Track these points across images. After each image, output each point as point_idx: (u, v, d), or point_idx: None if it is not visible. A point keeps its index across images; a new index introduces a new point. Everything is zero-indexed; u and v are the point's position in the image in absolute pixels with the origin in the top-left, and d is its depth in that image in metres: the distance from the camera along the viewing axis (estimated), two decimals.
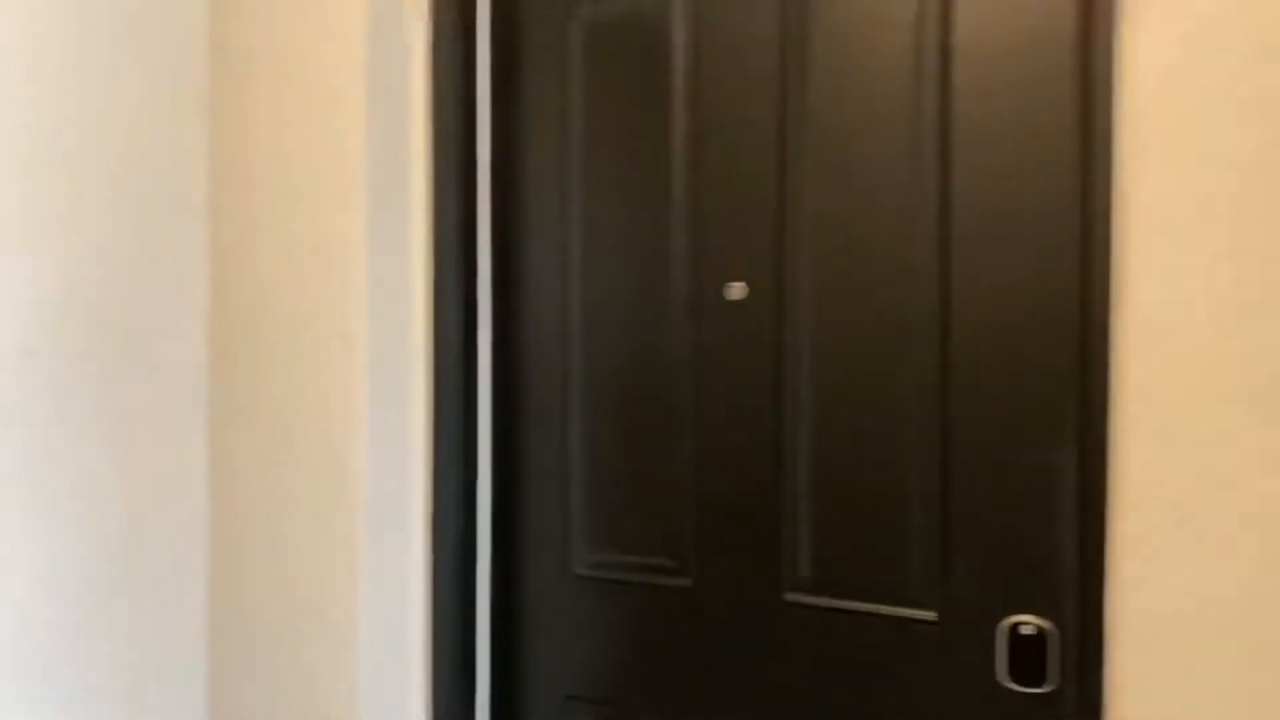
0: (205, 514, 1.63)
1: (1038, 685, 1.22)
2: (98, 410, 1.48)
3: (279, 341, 1.57)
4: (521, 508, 1.60)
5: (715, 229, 1.44)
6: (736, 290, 1.43)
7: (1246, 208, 0.99)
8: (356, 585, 1.48)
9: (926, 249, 1.29)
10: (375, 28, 1.51)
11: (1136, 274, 1.04)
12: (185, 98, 1.60)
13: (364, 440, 1.49)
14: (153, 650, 1.56)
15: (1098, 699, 1.16)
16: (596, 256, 1.53)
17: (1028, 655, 1.22)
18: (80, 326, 1.46)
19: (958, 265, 1.27)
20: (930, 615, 1.30)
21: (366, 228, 1.50)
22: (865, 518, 1.34)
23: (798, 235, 1.38)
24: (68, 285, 1.45)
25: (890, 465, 1.32)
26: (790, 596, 1.39)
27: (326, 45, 1.52)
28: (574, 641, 1.56)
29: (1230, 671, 1.00)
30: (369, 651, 1.49)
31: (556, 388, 1.57)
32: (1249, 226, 0.98)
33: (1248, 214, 0.98)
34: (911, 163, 1.30)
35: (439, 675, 1.57)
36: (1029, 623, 1.23)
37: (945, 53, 1.27)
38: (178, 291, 1.59)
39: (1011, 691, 1.24)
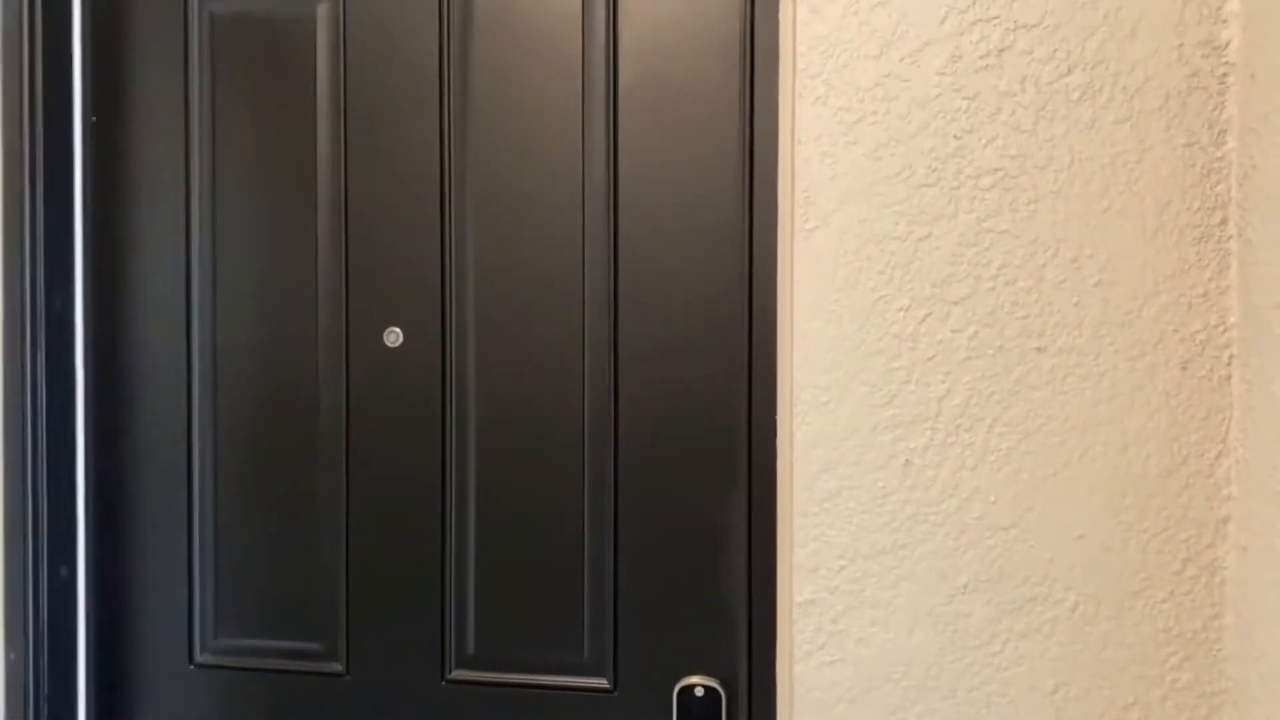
0: None
1: None
2: None
3: None
4: (131, 591, 1.33)
5: (370, 270, 1.28)
6: (393, 336, 1.28)
7: (895, 290, 1.01)
8: None
9: (594, 301, 1.22)
10: None
11: (797, 344, 1.03)
12: None
13: None
14: None
15: None
16: (226, 288, 1.31)
17: (699, 716, 1.20)
18: None
19: (624, 320, 1.21)
20: (604, 683, 1.23)
21: None
22: (534, 587, 1.24)
23: (461, 279, 1.25)
24: None
25: (558, 531, 1.24)
26: (455, 674, 1.27)
27: None
28: None
29: None
30: None
31: (175, 447, 1.32)
32: (893, 308, 1.01)
33: (894, 303, 1.01)
34: (577, 207, 1.22)
35: None
36: (700, 684, 1.20)
37: (612, 81, 1.21)
38: None
39: None
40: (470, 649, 1.26)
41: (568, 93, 1.22)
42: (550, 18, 1.22)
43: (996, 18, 1.00)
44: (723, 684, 1.20)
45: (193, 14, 1.32)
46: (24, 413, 1.27)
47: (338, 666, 1.29)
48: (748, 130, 1.16)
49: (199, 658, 1.33)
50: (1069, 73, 0.99)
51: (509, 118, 1.24)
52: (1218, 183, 0.96)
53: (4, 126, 1.25)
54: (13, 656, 1.25)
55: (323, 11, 1.29)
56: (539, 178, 1.23)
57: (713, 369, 1.19)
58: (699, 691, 1.20)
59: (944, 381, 1.00)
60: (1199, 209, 0.97)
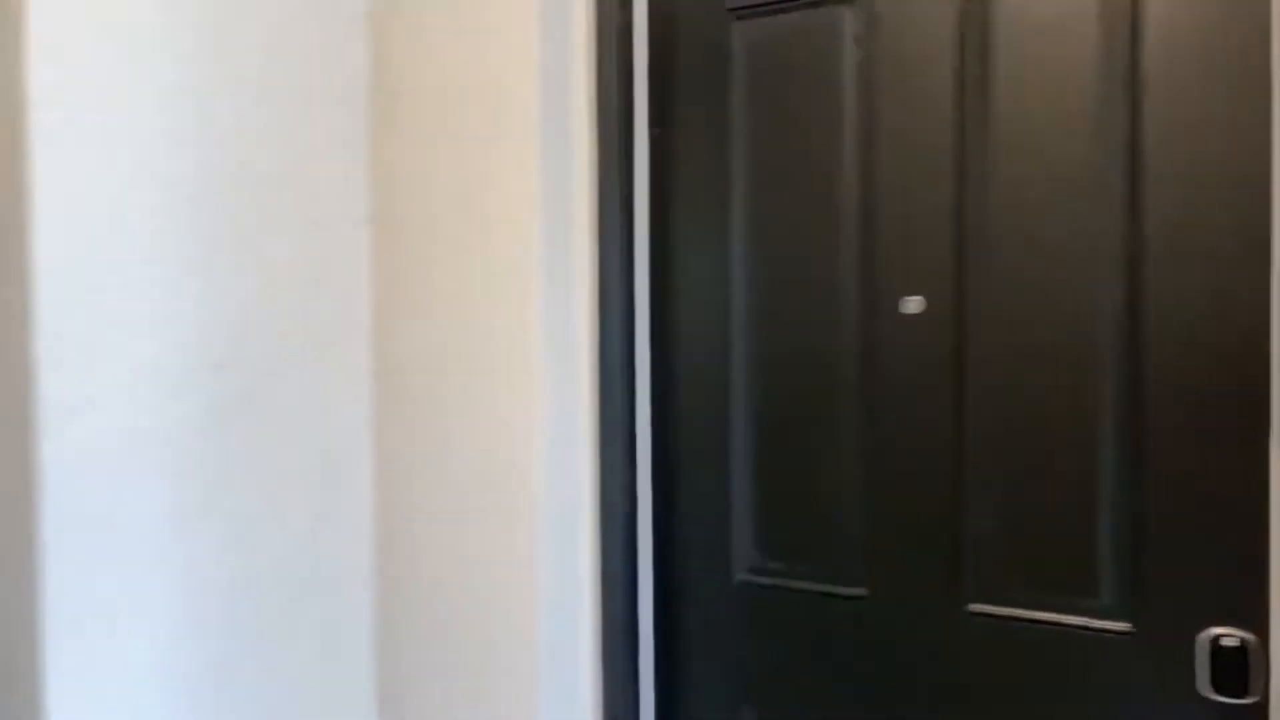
0: (371, 522, 1.64)
1: (1241, 696, 1.24)
2: (278, 419, 1.50)
3: (447, 350, 1.58)
4: (682, 512, 1.61)
5: (889, 240, 1.45)
6: (913, 304, 1.44)
7: None
8: (534, 597, 1.50)
9: (1113, 261, 1.31)
10: (545, 33, 1.51)
11: None
12: (345, 109, 1.61)
13: (539, 449, 1.50)
14: (321, 652, 1.58)
15: None
16: (760, 265, 1.55)
17: (1230, 667, 1.24)
18: (263, 340, 1.47)
19: (1147, 277, 1.29)
20: (1124, 626, 1.32)
21: (541, 239, 1.51)
22: (1053, 527, 1.35)
23: (979, 247, 1.39)
24: (247, 302, 1.46)
25: (1079, 474, 1.33)
26: (974, 606, 1.41)
27: (498, 52, 1.52)
28: (739, 651, 1.57)
29: None
30: (546, 662, 1.51)
31: (718, 394, 1.57)
32: None
33: None
34: (1099, 172, 1.31)
35: (609, 681, 1.58)
36: (1229, 634, 1.25)
37: (1134, 59, 1.29)
38: (345, 302, 1.60)
39: (1215, 702, 1.26)
40: (989, 583, 1.40)
41: (1085, 83, 1.32)
42: (1068, 13, 1.32)
43: None
44: (1255, 635, 1.23)
45: (734, 40, 1.56)
46: (607, 373, 1.59)
47: (861, 591, 1.48)
48: None
49: (738, 576, 1.58)
50: None
51: (1026, 102, 1.35)
52: None
53: (601, 136, 1.57)
54: (603, 569, 1.57)
55: (849, 17, 1.48)
56: (1058, 159, 1.34)
57: (1238, 326, 1.23)
58: (1228, 641, 1.25)
59: None
60: None
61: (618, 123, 1.59)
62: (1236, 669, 1.24)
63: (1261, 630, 1.23)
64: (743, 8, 1.56)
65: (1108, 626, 1.33)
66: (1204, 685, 1.26)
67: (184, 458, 1.38)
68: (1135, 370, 1.30)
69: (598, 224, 1.58)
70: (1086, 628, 1.34)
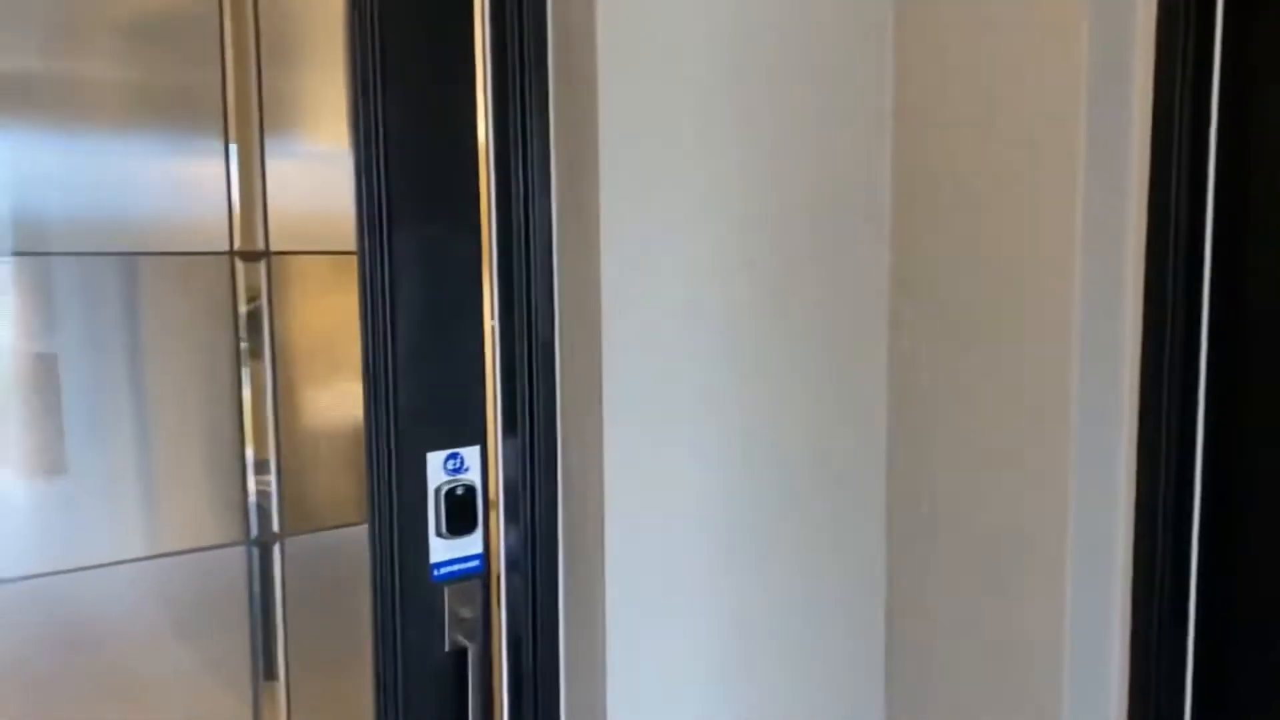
0: (884, 418, 1.65)
1: None
2: (799, 314, 1.56)
3: (971, 250, 1.50)
4: (1254, 428, 1.36)
5: None
6: None
7: None
8: (1065, 524, 1.39)
9: None
10: None
11: None
12: (873, 9, 1.57)
13: (1073, 348, 1.37)
14: (831, 554, 1.63)
15: None
16: None
17: None
18: (790, 237, 1.53)
19: None
20: None
21: (1084, 122, 1.35)
22: None
23: None
24: (779, 200, 1.51)
25: None
26: None
27: None
28: None
29: None
30: (1075, 588, 1.40)
31: None
32: None
33: None
34: None
35: (1142, 626, 1.42)
36: None
37: None
38: (866, 197, 1.60)
39: None
40: None
41: None
42: None
43: None
44: None
45: None
46: (1156, 268, 1.38)
47: None
48: None
49: None
50: None
51: None
52: None
53: None
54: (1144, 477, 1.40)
55: None
56: None
57: None
58: None
59: None
60: None
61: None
62: None
63: None
64: None
65: None
66: None
67: (719, 346, 1.49)
68: None
69: (1154, 90, 1.36)
70: None
